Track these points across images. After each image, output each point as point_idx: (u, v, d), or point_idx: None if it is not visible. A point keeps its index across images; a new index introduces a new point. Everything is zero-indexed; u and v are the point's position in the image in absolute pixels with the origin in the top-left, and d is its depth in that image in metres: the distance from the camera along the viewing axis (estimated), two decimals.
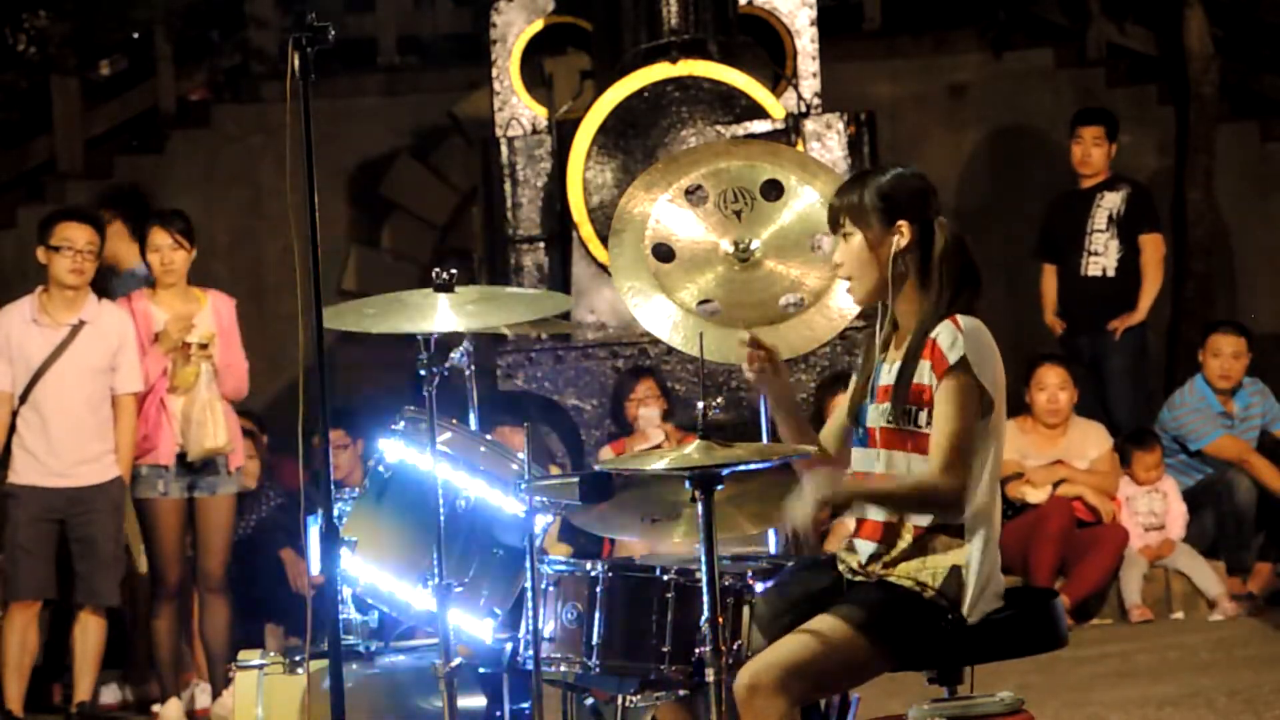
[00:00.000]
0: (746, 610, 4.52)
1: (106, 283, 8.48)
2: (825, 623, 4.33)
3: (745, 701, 4.26)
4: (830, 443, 4.64)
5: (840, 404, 4.67)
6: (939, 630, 4.34)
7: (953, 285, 4.44)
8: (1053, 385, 9.11)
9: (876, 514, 4.46)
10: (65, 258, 7.63)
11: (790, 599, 4.49)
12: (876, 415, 4.46)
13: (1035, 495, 9.05)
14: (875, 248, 4.45)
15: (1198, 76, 11.26)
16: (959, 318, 4.38)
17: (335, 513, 4.58)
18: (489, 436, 5.34)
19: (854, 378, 4.60)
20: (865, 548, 4.48)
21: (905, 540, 4.40)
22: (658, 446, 8.68)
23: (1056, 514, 8.89)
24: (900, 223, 4.44)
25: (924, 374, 4.37)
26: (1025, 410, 9.30)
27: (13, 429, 7.66)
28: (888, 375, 4.46)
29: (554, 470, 8.87)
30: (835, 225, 4.53)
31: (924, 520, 4.38)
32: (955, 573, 4.35)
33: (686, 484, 4.25)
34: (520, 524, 4.91)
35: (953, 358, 4.33)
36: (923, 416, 4.37)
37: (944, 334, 4.36)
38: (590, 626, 4.67)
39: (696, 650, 4.36)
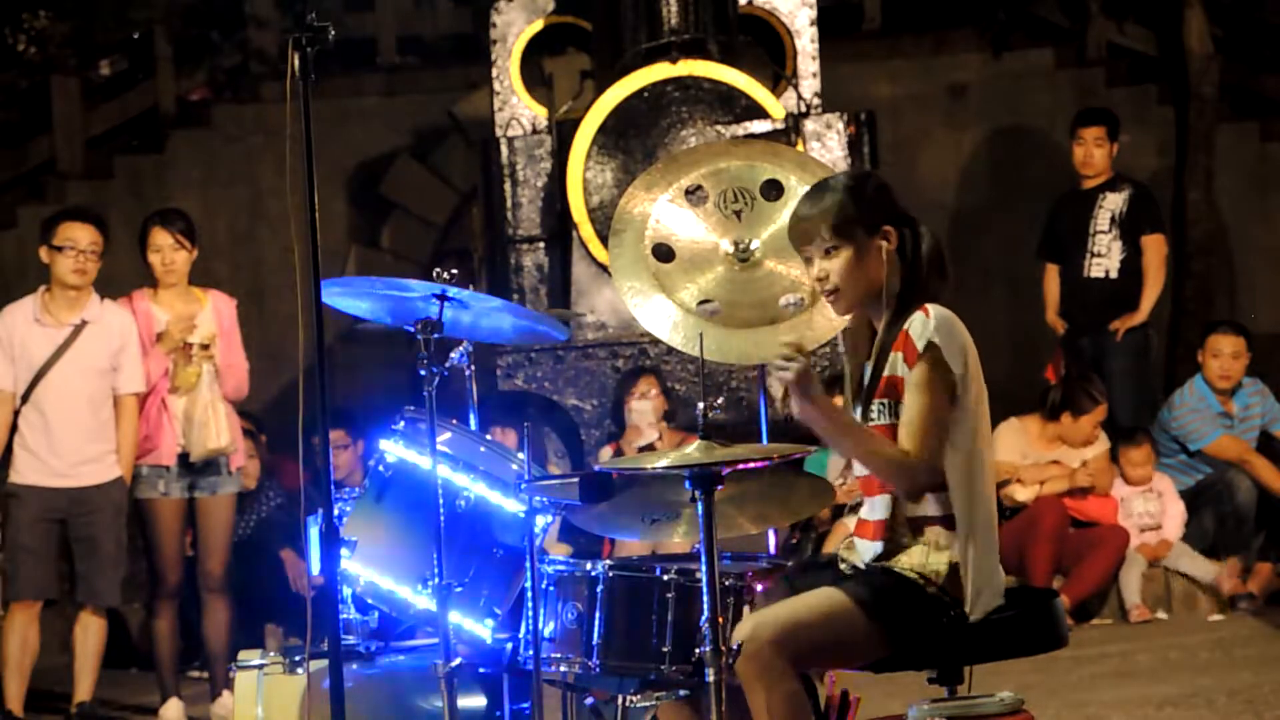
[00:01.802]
0: (746, 610, 4.53)
1: None
2: (829, 593, 4.36)
3: (742, 645, 4.27)
4: None
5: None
6: (940, 625, 4.35)
7: (935, 282, 4.46)
8: (1095, 425, 9.16)
9: (875, 514, 4.47)
10: (68, 257, 7.63)
11: (790, 597, 4.49)
12: (859, 417, 4.48)
13: (1024, 493, 9.06)
14: (863, 257, 4.45)
15: (1198, 76, 11.26)
16: (929, 307, 4.40)
17: (335, 512, 4.58)
18: (489, 436, 5.34)
19: (844, 394, 4.61)
20: (866, 547, 4.49)
21: (903, 535, 4.42)
22: (651, 446, 8.68)
23: (1049, 513, 8.91)
24: (886, 228, 4.46)
25: (897, 365, 4.40)
26: (1027, 409, 9.31)
27: (15, 429, 7.66)
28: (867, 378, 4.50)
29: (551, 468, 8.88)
30: (808, 238, 4.47)
31: (915, 512, 4.40)
32: (955, 569, 4.37)
33: (686, 484, 4.26)
34: (520, 524, 4.91)
35: (921, 344, 4.36)
36: (901, 408, 4.39)
37: (915, 323, 4.39)
38: (590, 626, 4.67)
39: (696, 650, 4.36)
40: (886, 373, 4.41)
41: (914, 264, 4.47)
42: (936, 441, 4.34)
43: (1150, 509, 9.16)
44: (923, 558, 4.39)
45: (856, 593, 4.35)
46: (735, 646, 4.25)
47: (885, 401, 4.41)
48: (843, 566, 4.54)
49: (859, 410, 4.48)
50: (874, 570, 4.43)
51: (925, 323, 4.37)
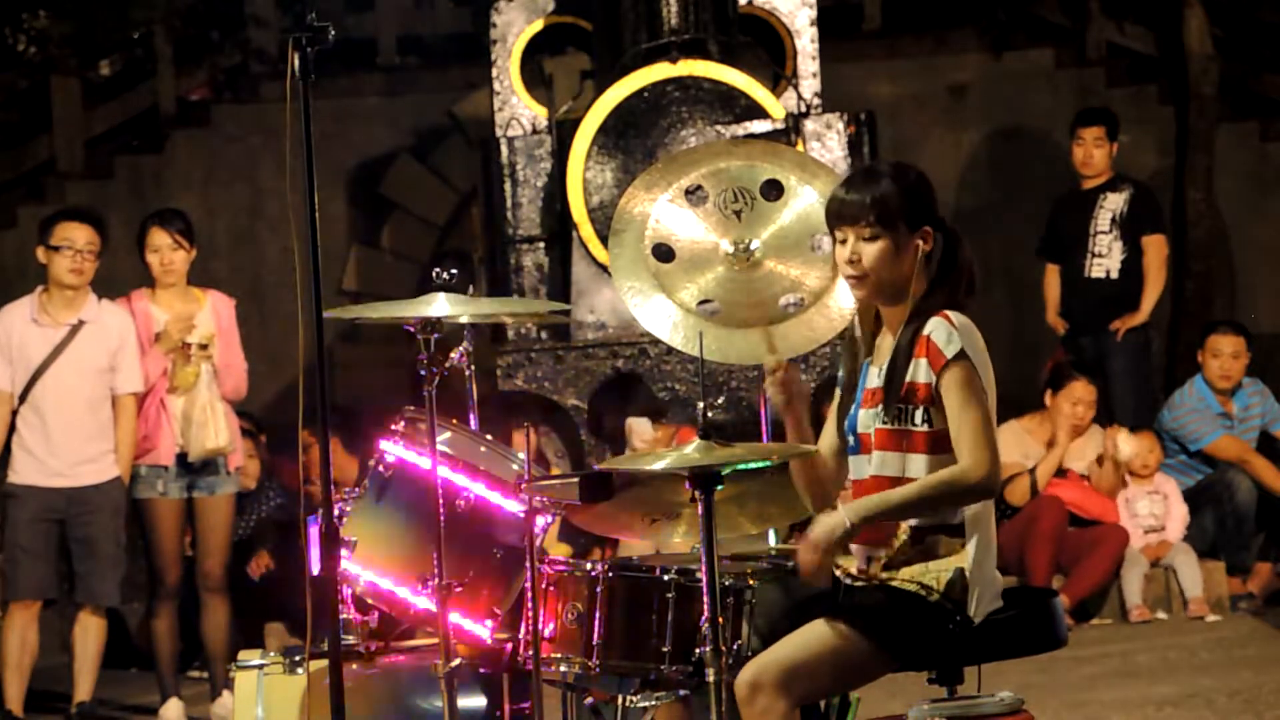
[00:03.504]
0: (746, 610, 4.52)
1: None
2: (828, 625, 4.31)
3: (747, 699, 4.26)
4: (828, 454, 4.60)
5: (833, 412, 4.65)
6: (945, 633, 4.33)
7: (963, 294, 4.43)
8: (1084, 402, 9.16)
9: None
10: (65, 257, 7.63)
11: (787, 604, 4.48)
12: (869, 419, 4.43)
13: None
14: (900, 250, 4.40)
15: (1198, 76, 11.26)
16: (950, 314, 4.36)
17: (335, 512, 4.58)
18: (490, 437, 5.33)
19: (837, 389, 4.56)
20: (860, 552, 4.46)
21: (902, 541, 4.39)
22: None
23: (1048, 513, 8.91)
24: (926, 228, 4.42)
25: (919, 372, 4.35)
26: (1029, 410, 9.31)
27: (13, 429, 7.66)
28: (876, 378, 4.44)
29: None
30: (852, 220, 4.41)
31: (918, 522, 4.37)
32: (959, 575, 4.33)
33: (686, 484, 4.25)
34: (520, 524, 4.91)
35: (950, 352, 4.31)
36: (918, 415, 4.35)
37: (938, 330, 4.34)
38: (590, 626, 4.67)
39: (696, 650, 4.35)
40: (909, 378, 4.36)
41: (946, 272, 4.43)
42: (991, 448, 4.29)
43: (1155, 510, 9.15)
44: (923, 567, 4.36)
45: (855, 620, 4.31)
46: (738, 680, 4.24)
47: (905, 407, 4.35)
48: (837, 573, 4.51)
49: (874, 413, 4.42)
50: (869, 589, 4.40)
51: (950, 331, 4.32)
